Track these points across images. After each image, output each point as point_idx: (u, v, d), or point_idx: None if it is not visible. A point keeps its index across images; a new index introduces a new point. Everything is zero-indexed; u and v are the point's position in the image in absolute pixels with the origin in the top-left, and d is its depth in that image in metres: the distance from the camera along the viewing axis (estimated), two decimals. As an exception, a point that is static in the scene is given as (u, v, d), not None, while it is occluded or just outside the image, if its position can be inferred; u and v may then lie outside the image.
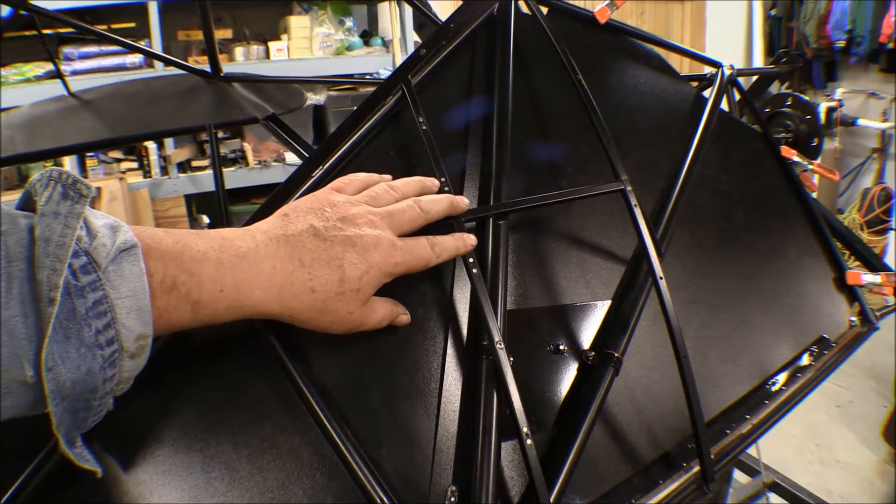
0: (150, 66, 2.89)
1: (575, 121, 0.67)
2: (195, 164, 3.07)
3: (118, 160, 2.99)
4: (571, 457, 0.49)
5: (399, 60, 3.19)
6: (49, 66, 2.69)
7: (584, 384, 0.55)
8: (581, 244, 0.64)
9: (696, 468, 0.55)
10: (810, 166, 1.00)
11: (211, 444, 0.43)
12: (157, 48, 2.74)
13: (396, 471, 0.45)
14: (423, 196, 0.51)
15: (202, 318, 0.38)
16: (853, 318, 0.84)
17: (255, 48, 3.15)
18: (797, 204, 0.86)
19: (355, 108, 0.58)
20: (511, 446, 0.49)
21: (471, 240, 0.50)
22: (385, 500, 0.43)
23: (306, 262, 0.41)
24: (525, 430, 0.45)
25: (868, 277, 0.85)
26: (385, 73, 3.14)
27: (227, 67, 1.25)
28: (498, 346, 0.47)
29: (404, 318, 0.49)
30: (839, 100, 3.44)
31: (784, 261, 0.81)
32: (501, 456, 0.48)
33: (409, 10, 3.21)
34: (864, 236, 3.24)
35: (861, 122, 3.39)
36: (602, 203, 0.66)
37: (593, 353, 0.57)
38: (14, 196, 2.59)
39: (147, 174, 2.99)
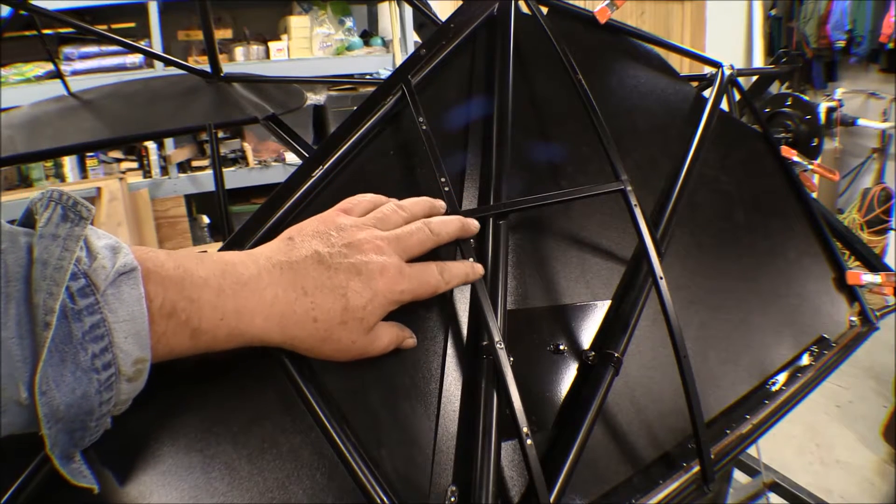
0: (150, 66, 2.89)
1: (575, 121, 0.67)
2: (195, 164, 3.07)
3: (118, 160, 2.99)
4: (571, 457, 0.49)
5: (399, 60, 3.19)
6: (49, 66, 2.69)
7: (584, 384, 0.55)
8: (581, 244, 0.64)
9: (696, 468, 0.55)
10: (810, 166, 1.00)
11: (211, 444, 0.43)
12: (157, 48, 2.74)
13: (396, 471, 0.45)
14: (432, 217, 0.50)
15: (201, 345, 0.37)
16: (853, 318, 0.84)
17: (255, 48, 3.15)
18: (797, 204, 0.86)
19: (355, 108, 0.58)
20: (511, 446, 0.49)
21: (479, 268, 0.49)
22: (385, 500, 0.43)
23: (309, 289, 0.40)
24: (525, 430, 0.45)
25: (868, 277, 0.85)
26: (385, 73, 3.14)
27: (227, 67, 1.25)
28: (498, 346, 0.47)
29: (410, 341, 0.48)
30: (839, 100, 3.44)
31: (784, 261, 0.81)
32: (501, 456, 0.48)
33: (409, 10, 3.21)
34: (864, 236, 3.24)
35: (861, 122, 3.39)
36: (602, 203, 0.66)
37: (593, 353, 0.57)
38: (14, 196, 2.59)
39: (147, 174, 2.99)
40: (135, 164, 2.99)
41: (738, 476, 1.55)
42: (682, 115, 0.80)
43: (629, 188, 0.59)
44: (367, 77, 3.15)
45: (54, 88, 1.42)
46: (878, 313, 0.86)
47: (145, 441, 0.42)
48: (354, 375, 0.48)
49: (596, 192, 0.59)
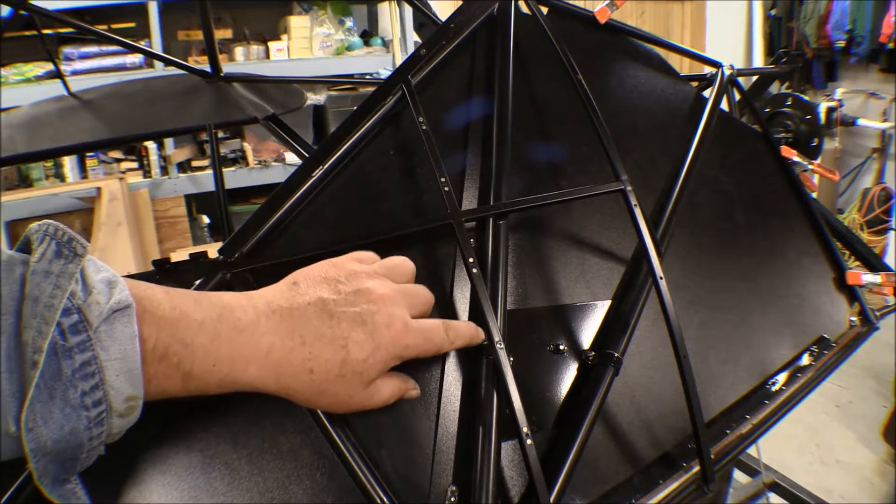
0: (150, 66, 2.89)
1: (575, 121, 0.67)
2: (195, 164, 3.07)
3: (118, 160, 2.99)
4: (571, 457, 0.49)
5: (399, 60, 3.19)
6: (49, 66, 2.70)
7: (584, 384, 0.55)
8: (581, 244, 0.64)
9: (696, 468, 0.55)
10: (810, 166, 1.00)
11: (211, 444, 0.43)
12: (157, 48, 2.74)
13: (396, 471, 0.45)
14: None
15: (192, 389, 0.36)
16: (853, 318, 0.84)
17: (255, 48, 3.15)
18: (797, 204, 0.86)
19: (355, 108, 0.58)
20: (511, 446, 0.49)
21: (482, 334, 0.48)
22: (385, 500, 0.43)
23: (308, 339, 0.39)
24: (525, 430, 0.45)
25: (868, 277, 0.85)
26: (385, 73, 3.14)
27: (227, 67, 1.25)
28: (498, 346, 0.47)
29: (413, 392, 0.46)
30: (839, 100, 3.44)
31: (784, 261, 0.81)
32: (501, 456, 0.48)
33: (409, 10, 3.21)
34: (864, 236, 3.24)
35: (861, 122, 3.39)
36: (602, 203, 0.66)
37: (593, 353, 0.57)
38: (14, 196, 2.59)
39: (147, 174, 2.99)
40: (135, 164, 2.99)
41: (738, 476, 1.55)
42: (682, 115, 0.80)
43: (629, 188, 0.59)
44: (367, 77, 3.15)
45: (54, 88, 1.42)
46: (878, 313, 0.86)
47: (145, 441, 0.42)
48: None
49: (596, 192, 0.59)
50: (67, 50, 2.81)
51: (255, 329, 0.38)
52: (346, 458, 0.44)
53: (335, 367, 0.39)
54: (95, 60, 2.84)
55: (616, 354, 0.56)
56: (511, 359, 0.48)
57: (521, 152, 0.64)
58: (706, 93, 0.87)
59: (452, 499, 0.45)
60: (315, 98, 3.11)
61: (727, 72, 0.90)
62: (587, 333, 0.59)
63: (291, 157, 3.16)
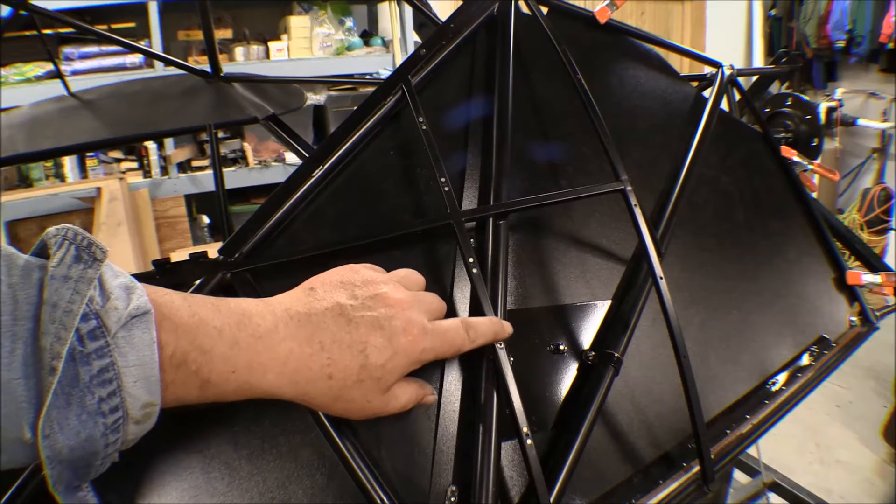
0: (150, 66, 2.89)
1: (575, 121, 0.67)
2: (195, 164, 3.07)
3: (118, 160, 2.99)
4: (571, 457, 0.49)
5: (399, 60, 3.19)
6: (49, 66, 2.69)
7: (584, 384, 0.55)
8: (581, 244, 0.64)
9: (696, 468, 0.55)
10: (810, 166, 1.00)
11: (211, 444, 0.43)
12: (157, 48, 2.74)
13: (396, 471, 0.45)
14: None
15: (209, 396, 0.36)
16: (853, 318, 0.84)
17: (255, 48, 3.15)
18: (797, 204, 0.86)
19: (355, 108, 0.58)
20: (511, 446, 0.49)
21: (508, 327, 0.47)
22: (385, 500, 0.43)
23: (326, 344, 0.39)
24: (525, 430, 0.45)
25: (868, 277, 0.85)
26: (385, 73, 3.14)
27: (227, 67, 1.25)
28: (498, 346, 0.47)
29: (431, 398, 0.46)
30: (839, 100, 3.44)
31: (784, 261, 0.81)
32: (501, 456, 0.48)
33: (409, 10, 3.20)
34: (864, 236, 3.24)
35: (861, 122, 3.39)
36: (602, 203, 0.66)
37: (593, 353, 0.57)
38: (14, 196, 2.59)
39: (147, 174, 2.99)
40: (135, 164, 2.99)
41: (738, 476, 1.54)
42: (682, 115, 0.80)
43: (629, 188, 0.59)
44: (367, 77, 3.15)
45: (54, 88, 1.42)
46: (878, 313, 0.86)
47: (145, 441, 0.42)
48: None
49: (596, 192, 0.59)
50: (67, 50, 2.81)
51: (274, 335, 0.38)
52: (346, 458, 0.44)
53: (354, 373, 0.39)
54: (95, 60, 2.84)
55: (616, 354, 0.56)
56: (511, 359, 0.48)
57: (522, 152, 0.64)
58: (706, 93, 0.87)
59: (452, 499, 0.45)
60: (315, 98, 3.12)
61: (727, 72, 0.90)
62: (587, 333, 0.59)
63: (291, 157, 3.16)
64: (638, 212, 0.58)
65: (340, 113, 3.14)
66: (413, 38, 3.26)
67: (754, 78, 1.59)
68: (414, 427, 0.48)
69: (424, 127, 0.56)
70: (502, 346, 0.47)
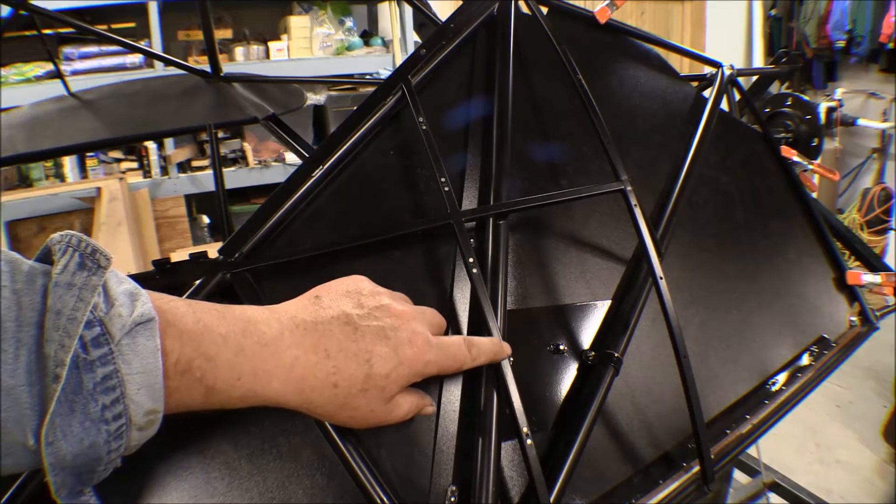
0: (150, 66, 2.89)
1: (575, 121, 0.67)
2: (195, 164, 3.07)
3: (118, 160, 2.99)
4: (571, 457, 0.49)
5: (399, 60, 3.19)
6: (49, 66, 2.69)
7: (584, 384, 0.55)
8: (581, 244, 0.64)
9: (696, 468, 0.55)
10: (810, 166, 1.00)
11: (211, 444, 0.43)
12: (157, 48, 2.74)
13: (396, 471, 0.45)
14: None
15: (214, 402, 0.36)
16: (853, 318, 0.84)
17: (255, 48, 3.15)
18: (797, 204, 0.86)
19: (355, 108, 0.58)
20: (511, 446, 0.49)
21: (507, 348, 0.48)
22: (385, 500, 0.43)
23: (332, 352, 0.39)
24: (525, 430, 0.45)
25: (868, 277, 0.85)
26: (385, 73, 3.14)
27: (227, 67, 1.25)
28: (498, 346, 0.47)
29: (430, 409, 0.46)
30: (839, 100, 3.44)
31: (784, 261, 0.81)
32: (501, 456, 0.48)
33: (409, 10, 3.20)
34: (864, 236, 3.24)
35: (861, 122, 3.39)
36: (602, 203, 0.66)
37: (593, 353, 0.57)
38: (14, 196, 2.59)
39: (147, 174, 2.99)
40: (135, 164, 2.99)
41: (738, 476, 1.54)
42: (682, 115, 0.80)
43: (629, 188, 0.59)
44: (367, 77, 3.15)
45: (54, 88, 1.42)
46: (878, 313, 0.86)
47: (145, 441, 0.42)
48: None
49: (596, 192, 0.59)
50: (67, 50, 2.81)
51: (280, 343, 0.38)
52: (346, 457, 0.44)
53: (359, 382, 0.39)
54: (95, 60, 2.84)
55: (616, 354, 0.56)
56: (511, 359, 0.48)
57: (522, 152, 0.64)
58: (706, 93, 0.87)
59: (452, 499, 0.45)
60: (315, 98, 3.12)
61: (727, 72, 0.90)
62: (587, 333, 0.59)
63: (291, 157, 3.16)
64: (638, 212, 0.58)
65: (340, 113, 3.14)
66: (413, 38, 3.26)
67: (754, 78, 1.59)
68: (414, 427, 0.48)
69: (424, 127, 0.56)
70: (502, 346, 0.47)
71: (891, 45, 3.15)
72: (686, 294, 0.68)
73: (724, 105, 0.87)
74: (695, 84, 0.96)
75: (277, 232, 0.52)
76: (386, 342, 0.40)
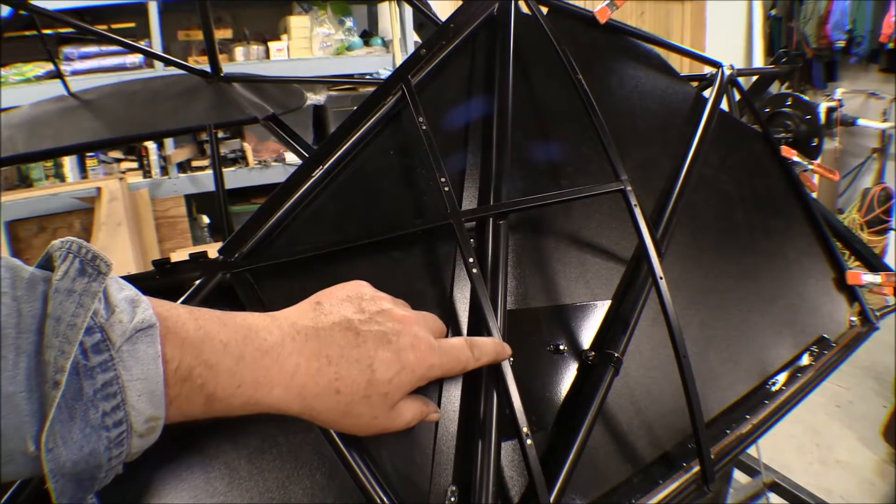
0: (150, 66, 2.89)
1: (575, 121, 0.67)
2: (195, 164, 3.07)
3: (118, 160, 2.99)
4: (571, 457, 0.49)
5: (399, 60, 3.19)
6: (49, 66, 2.69)
7: (584, 384, 0.55)
8: (581, 244, 0.64)
9: (696, 468, 0.55)
10: (810, 166, 1.00)
11: (211, 444, 0.43)
12: (157, 48, 2.74)
13: (396, 471, 0.45)
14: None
15: (215, 410, 0.36)
16: (853, 318, 0.84)
17: (255, 48, 3.15)
18: (797, 204, 0.86)
19: (355, 108, 0.58)
20: (511, 446, 0.49)
21: (508, 349, 0.48)
22: (385, 500, 0.43)
23: (334, 359, 0.38)
24: (525, 430, 0.45)
25: (868, 277, 0.85)
26: (385, 73, 3.14)
27: (227, 67, 1.25)
28: (498, 346, 0.47)
29: (434, 416, 0.45)
30: (839, 100, 3.44)
31: (784, 261, 0.81)
32: (501, 456, 0.48)
33: (409, 10, 3.20)
34: (864, 236, 3.24)
35: (861, 122, 3.39)
36: (602, 203, 0.66)
37: (593, 353, 0.57)
38: (14, 196, 2.59)
39: (147, 174, 2.99)
40: (135, 164, 2.99)
41: (738, 476, 1.54)
42: (682, 115, 0.80)
43: (629, 188, 0.59)
44: (367, 77, 3.15)
45: (54, 88, 1.42)
46: (878, 313, 0.86)
47: (145, 441, 0.42)
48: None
49: (596, 192, 0.59)
50: (67, 50, 2.81)
51: (281, 350, 0.37)
52: (346, 457, 0.44)
53: (361, 388, 0.39)
54: (95, 60, 2.84)
55: (616, 354, 0.56)
56: (511, 359, 0.48)
57: (521, 152, 0.64)
58: (706, 93, 0.87)
59: (452, 499, 0.45)
60: (315, 98, 3.11)
61: (727, 72, 0.90)
62: (587, 333, 0.59)
63: (291, 157, 3.15)
64: (638, 212, 0.58)
65: (340, 113, 3.14)
66: (413, 38, 3.26)
67: (754, 78, 1.59)
68: (414, 427, 0.48)
69: (424, 127, 0.56)
70: (502, 346, 0.47)
71: (891, 45, 3.15)
72: (686, 294, 0.68)
73: (724, 105, 0.87)
74: (695, 84, 0.96)
75: (277, 232, 0.52)
76: (388, 347, 0.40)
